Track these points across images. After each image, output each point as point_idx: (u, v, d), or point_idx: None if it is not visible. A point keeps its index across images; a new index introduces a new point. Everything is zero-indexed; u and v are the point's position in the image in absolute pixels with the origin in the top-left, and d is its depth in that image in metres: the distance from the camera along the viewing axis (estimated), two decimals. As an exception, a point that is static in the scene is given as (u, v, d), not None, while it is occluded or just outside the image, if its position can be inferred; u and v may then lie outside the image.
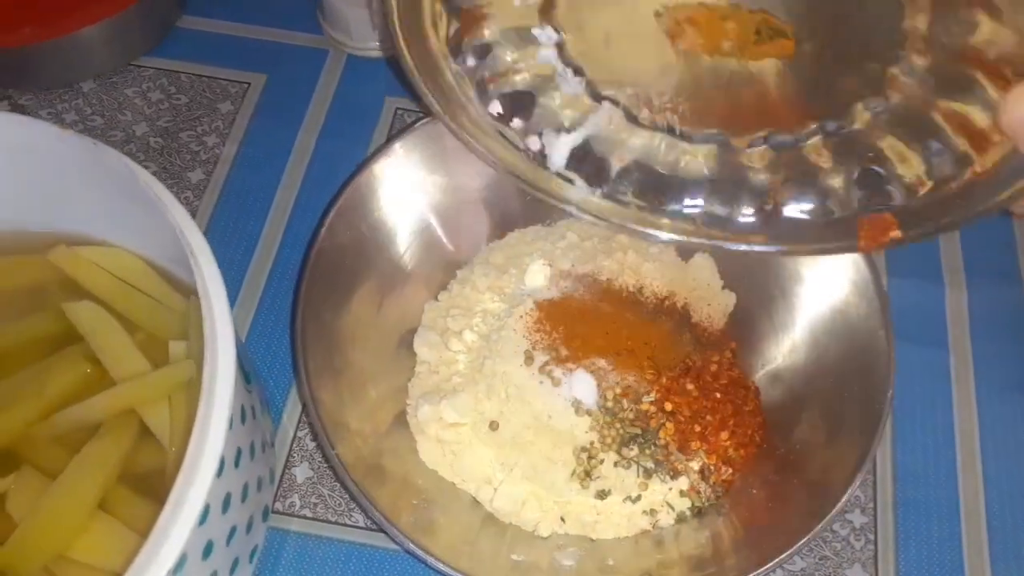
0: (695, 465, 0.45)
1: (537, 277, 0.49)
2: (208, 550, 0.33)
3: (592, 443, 0.45)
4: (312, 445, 0.46)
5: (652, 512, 0.44)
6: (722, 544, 0.42)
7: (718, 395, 0.46)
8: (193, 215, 0.40)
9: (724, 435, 0.45)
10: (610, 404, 0.46)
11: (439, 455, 0.45)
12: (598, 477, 0.44)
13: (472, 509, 0.44)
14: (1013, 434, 0.48)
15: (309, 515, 0.45)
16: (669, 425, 0.45)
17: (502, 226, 0.52)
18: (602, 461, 0.44)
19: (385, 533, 0.39)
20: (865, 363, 0.43)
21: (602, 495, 0.44)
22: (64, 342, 0.40)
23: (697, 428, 0.45)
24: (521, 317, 0.48)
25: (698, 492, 0.44)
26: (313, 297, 0.44)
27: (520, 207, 0.52)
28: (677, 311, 0.49)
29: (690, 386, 0.46)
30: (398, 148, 0.48)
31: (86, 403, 0.38)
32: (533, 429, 0.45)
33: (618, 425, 0.45)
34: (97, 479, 0.36)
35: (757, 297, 0.49)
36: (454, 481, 0.45)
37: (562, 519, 0.43)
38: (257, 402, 0.40)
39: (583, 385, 0.46)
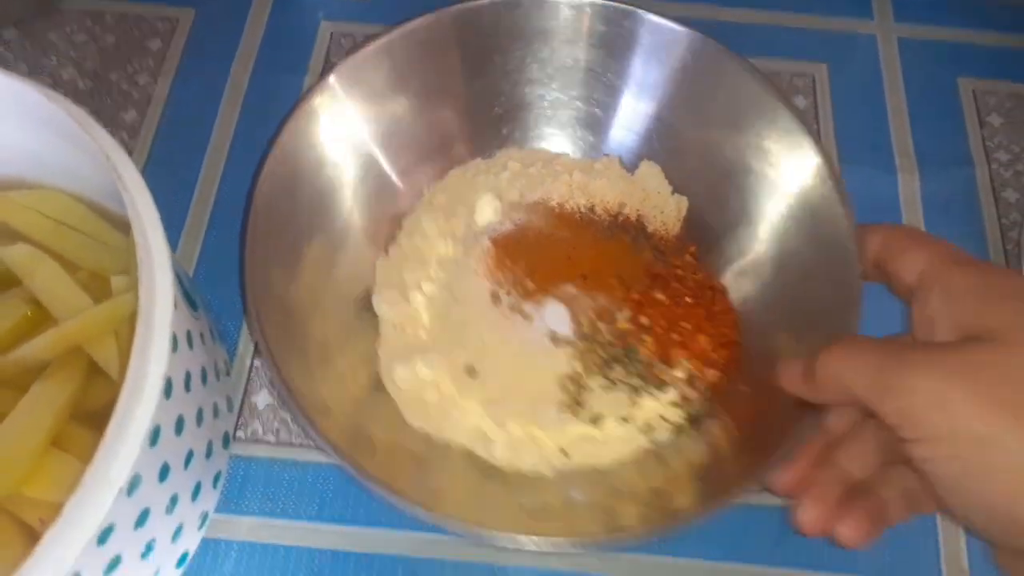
0: (680, 374, 0.44)
1: (487, 212, 0.48)
2: (164, 473, 0.33)
3: (576, 371, 0.44)
4: (269, 372, 0.46)
5: (649, 428, 0.43)
6: (722, 447, 0.41)
7: (688, 300, 0.45)
8: (129, 156, 0.39)
9: (702, 338, 0.44)
10: (586, 329, 0.45)
11: (424, 415, 0.43)
12: (588, 404, 0.43)
13: (470, 464, 0.42)
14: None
15: (272, 440, 0.44)
16: (647, 339, 0.44)
17: (442, 165, 0.50)
18: (589, 388, 0.43)
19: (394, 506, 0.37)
20: (831, 247, 0.42)
21: (596, 420, 0.43)
22: (2, 287, 0.39)
23: (675, 336, 0.44)
24: (479, 258, 0.46)
25: (688, 400, 0.43)
26: (259, 275, 0.40)
27: (458, 142, 0.50)
28: (632, 224, 0.49)
29: (660, 296, 0.45)
30: (320, 97, 0.44)
31: (30, 344, 0.37)
32: (514, 369, 0.44)
33: (598, 349, 0.44)
34: (47, 417, 0.35)
35: (709, 196, 0.48)
36: (445, 438, 0.43)
37: (563, 452, 0.42)
38: (207, 329, 0.39)
39: (556, 315, 0.45)
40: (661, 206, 0.49)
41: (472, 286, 0.45)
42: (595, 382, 0.43)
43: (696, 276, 0.47)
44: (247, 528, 0.42)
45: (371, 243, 0.47)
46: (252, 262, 0.40)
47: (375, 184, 0.47)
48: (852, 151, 0.54)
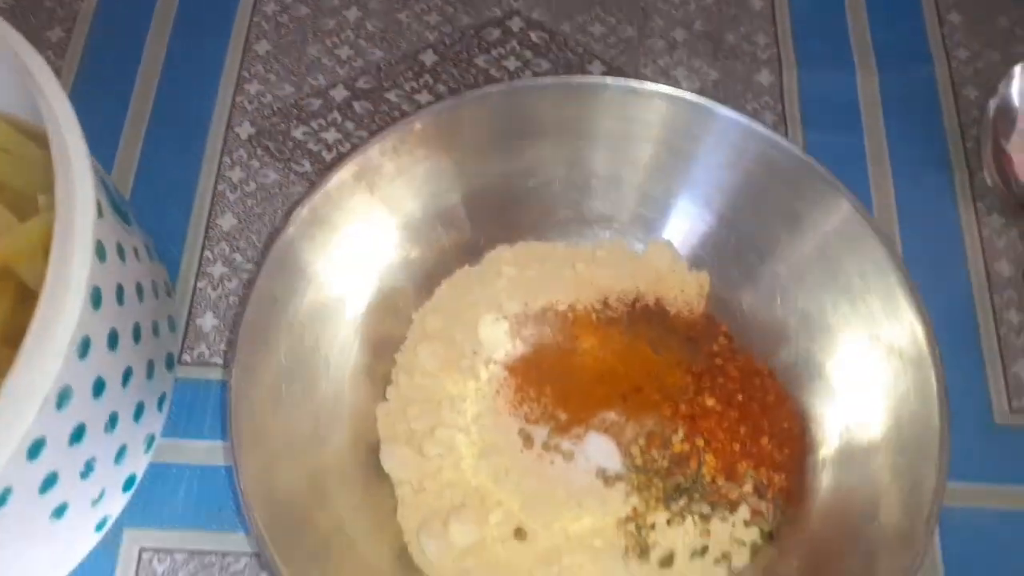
0: (748, 488, 0.39)
1: (494, 336, 0.42)
2: (99, 388, 0.31)
3: (635, 510, 0.39)
4: (214, 295, 0.44)
5: (724, 557, 0.39)
6: (816, 558, 0.37)
7: (740, 397, 0.41)
8: (57, 75, 0.36)
9: (764, 441, 0.40)
10: (639, 461, 0.40)
11: None
12: (655, 544, 0.38)
13: None
14: (930, 210, 0.48)
15: (219, 362, 0.43)
16: (709, 457, 0.40)
17: (424, 283, 0.43)
18: (653, 525, 0.39)
19: None
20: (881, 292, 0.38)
21: (667, 562, 0.38)
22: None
23: (736, 447, 0.40)
24: (498, 392, 0.41)
25: (761, 514, 0.39)
26: (250, 461, 0.34)
27: (440, 250, 0.43)
28: (652, 310, 0.43)
29: (710, 402, 0.41)
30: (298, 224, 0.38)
31: (-46, 268, 0.35)
32: (564, 520, 0.39)
33: (656, 480, 0.39)
34: (-26, 341, 0.34)
35: (732, 267, 0.43)
36: None
37: None
38: (142, 245, 0.37)
39: (601, 449, 0.40)
40: (680, 285, 0.44)
41: (496, 427, 0.40)
42: (659, 518, 0.39)
43: (737, 362, 0.42)
44: (200, 452, 0.41)
45: (365, 387, 0.41)
46: (239, 444, 0.35)
47: (362, 313, 0.41)
48: (810, 51, 0.52)
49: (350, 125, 0.49)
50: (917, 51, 0.53)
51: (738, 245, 0.43)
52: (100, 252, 0.31)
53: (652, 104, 0.41)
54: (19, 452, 0.27)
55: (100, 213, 0.31)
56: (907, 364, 0.37)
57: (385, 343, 0.42)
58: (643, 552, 0.38)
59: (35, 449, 0.28)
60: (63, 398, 0.29)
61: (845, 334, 0.40)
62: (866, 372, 0.39)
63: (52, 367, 0.27)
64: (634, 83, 0.41)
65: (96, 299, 0.30)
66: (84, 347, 0.29)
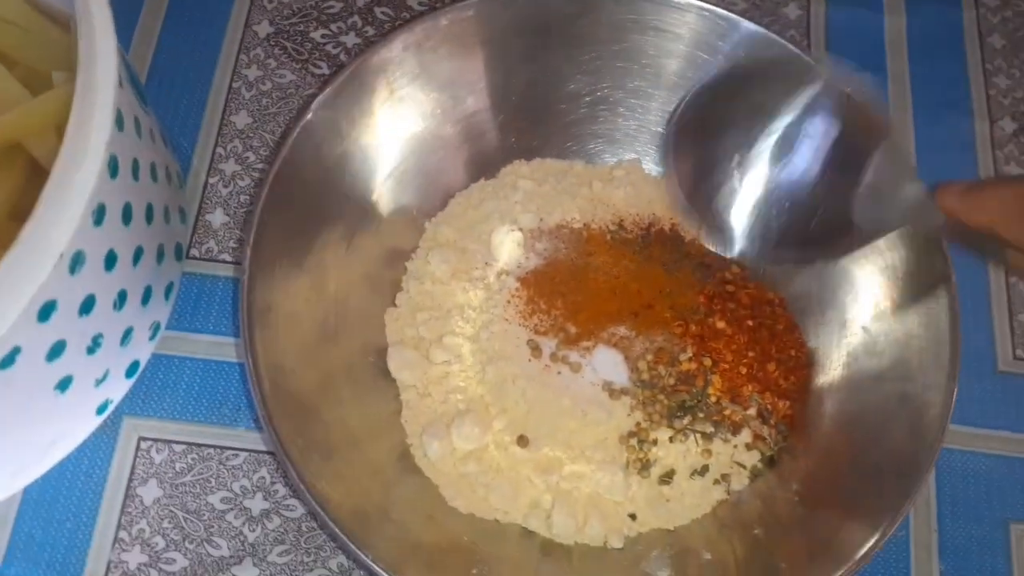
0: (752, 411, 0.39)
1: (508, 248, 0.42)
2: (111, 261, 0.31)
3: (638, 425, 0.39)
4: (225, 191, 0.44)
5: (724, 478, 0.39)
6: (816, 484, 0.37)
7: (750, 323, 0.40)
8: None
9: (771, 367, 0.40)
10: (645, 376, 0.40)
11: (469, 493, 0.38)
12: (656, 460, 0.38)
13: (525, 542, 0.37)
14: (947, 151, 0.48)
15: (228, 259, 0.42)
16: (715, 378, 0.40)
17: (439, 194, 0.43)
18: (655, 441, 0.39)
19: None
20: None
21: (667, 478, 0.38)
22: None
23: (743, 370, 0.40)
24: (508, 302, 0.40)
25: (763, 439, 0.39)
26: (267, 372, 0.34)
27: (456, 160, 0.43)
28: (667, 235, 0.43)
29: (721, 324, 0.40)
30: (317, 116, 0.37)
31: (-38, 140, 0.35)
32: (567, 430, 0.39)
33: (661, 396, 0.39)
34: (-20, 216, 0.33)
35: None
36: (495, 517, 0.38)
37: (632, 516, 0.38)
38: (156, 129, 0.37)
39: (608, 363, 0.40)
40: None
41: (505, 336, 0.40)
42: (661, 434, 0.39)
43: (749, 289, 0.42)
44: (204, 346, 0.41)
45: (374, 292, 0.41)
46: (257, 359, 0.34)
47: (374, 216, 0.40)
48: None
49: (370, 30, 0.48)
50: (945, -6, 0.52)
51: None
52: (119, 121, 0.30)
53: (681, 16, 0.40)
54: (30, 312, 0.27)
55: (120, 84, 0.30)
56: (921, 291, 0.37)
57: (396, 251, 0.42)
58: (644, 467, 0.38)
59: (46, 311, 0.28)
60: (76, 262, 0.28)
61: (859, 264, 0.39)
62: (878, 301, 0.39)
63: (69, 224, 0.27)
64: None
65: (113, 168, 0.30)
66: (100, 214, 0.29)
